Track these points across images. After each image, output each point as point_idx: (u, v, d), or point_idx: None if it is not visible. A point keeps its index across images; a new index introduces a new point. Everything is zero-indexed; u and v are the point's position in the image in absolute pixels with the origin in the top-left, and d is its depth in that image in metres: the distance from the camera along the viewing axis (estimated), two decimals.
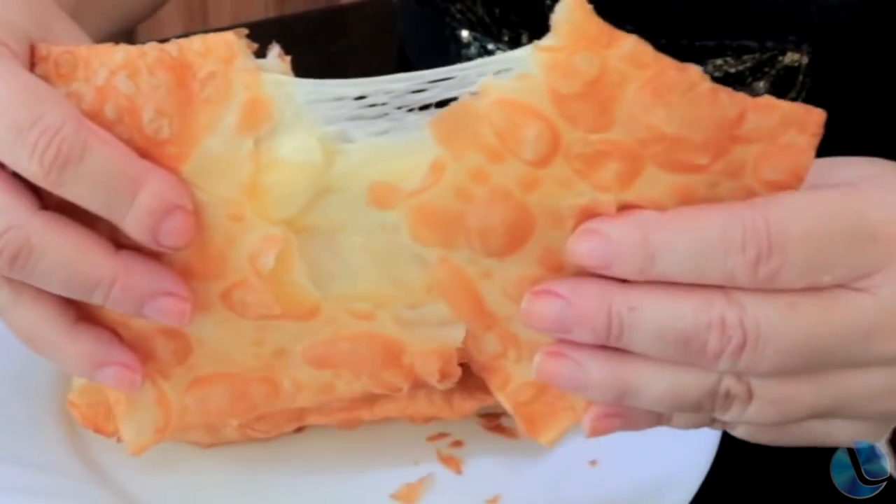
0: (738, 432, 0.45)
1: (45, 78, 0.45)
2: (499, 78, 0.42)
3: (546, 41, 0.41)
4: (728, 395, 0.42)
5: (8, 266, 0.44)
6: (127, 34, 0.72)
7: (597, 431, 0.44)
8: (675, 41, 0.65)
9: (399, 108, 0.44)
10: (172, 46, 0.44)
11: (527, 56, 0.41)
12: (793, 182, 0.41)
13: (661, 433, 0.51)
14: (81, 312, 0.47)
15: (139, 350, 0.48)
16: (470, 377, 0.51)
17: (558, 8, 0.40)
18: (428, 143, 0.43)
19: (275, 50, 0.45)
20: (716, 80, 0.40)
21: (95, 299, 0.45)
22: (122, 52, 0.45)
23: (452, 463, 0.57)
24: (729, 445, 0.51)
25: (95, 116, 0.44)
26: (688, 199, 0.41)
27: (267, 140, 0.45)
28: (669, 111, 0.40)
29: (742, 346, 0.40)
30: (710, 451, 0.54)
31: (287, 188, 0.45)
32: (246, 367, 0.50)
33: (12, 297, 0.46)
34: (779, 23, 0.64)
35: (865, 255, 0.41)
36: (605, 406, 0.44)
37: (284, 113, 0.45)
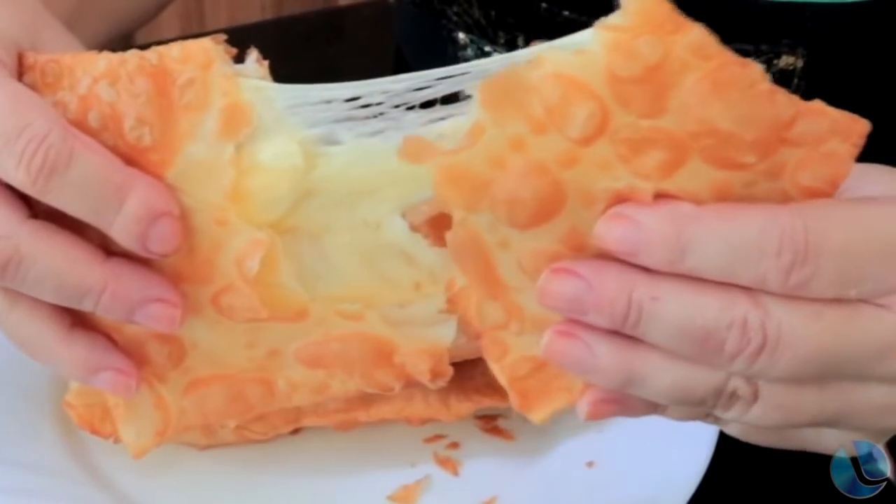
0: (730, 429, 0.45)
1: (33, 87, 0.45)
2: (556, 50, 0.40)
3: (611, 19, 0.39)
4: (734, 395, 0.42)
5: None
6: (125, 38, 0.72)
7: (594, 416, 0.43)
8: None
9: (397, 106, 0.44)
10: (152, 54, 0.45)
11: (589, 36, 0.40)
12: (828, 190, 0.41)
13: (659, 434, 0.52)
14: (76, 318, 0.48)
15: (134, 354, 0.49)
16: (466, 379, 0.51)
17: None
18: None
19: (253, 55, 0.46)
20: None
21: (86, 307, 0.46)
22: (104, 60, 0.45)
23: (449, 464, 0.57)
24: (728, 446, 0.51)
25: (80, 125, 0.44)
26: (724, 196, 0.40)
27: (248, 145, 0.45)
28: (726, 106, 0.39)
29: (760, 350, 0.40)
30: (707, 451, 0.54)
31: (269, 192, 0.45)
32: (240, 369, 0.50)
33: (8, 305, 0.47)
34: (773, 26, 0.64)
35: (893, 272, 0.40)
36: (604, 391, 0.43)
37: (264, 117, 0.45)
